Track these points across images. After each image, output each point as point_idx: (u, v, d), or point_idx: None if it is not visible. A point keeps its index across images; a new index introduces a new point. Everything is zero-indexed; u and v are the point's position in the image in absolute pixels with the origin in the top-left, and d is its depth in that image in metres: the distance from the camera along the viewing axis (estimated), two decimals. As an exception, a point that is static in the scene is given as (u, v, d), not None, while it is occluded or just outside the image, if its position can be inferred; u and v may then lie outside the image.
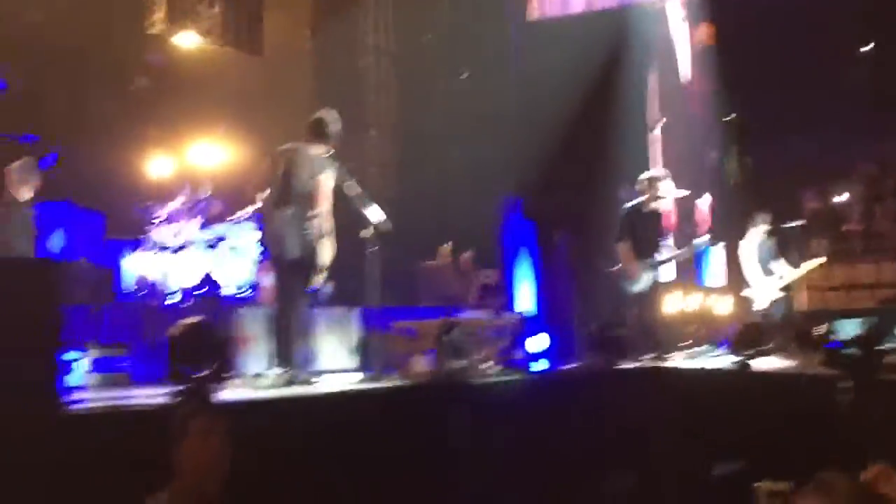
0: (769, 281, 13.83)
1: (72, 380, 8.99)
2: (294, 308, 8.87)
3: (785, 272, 13.96)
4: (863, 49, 18.83)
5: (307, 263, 8.74)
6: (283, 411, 7.13)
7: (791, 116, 18.72)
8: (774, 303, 13.86)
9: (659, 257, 11.65)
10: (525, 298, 16.15)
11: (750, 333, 10.17)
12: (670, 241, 11.98)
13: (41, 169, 11.09)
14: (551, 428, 8.73)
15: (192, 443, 4.52)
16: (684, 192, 12.03)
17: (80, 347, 9.37)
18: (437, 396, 8.39)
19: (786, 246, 14.47)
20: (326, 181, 8.79)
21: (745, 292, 14.07)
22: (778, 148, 19.19)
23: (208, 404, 5.53)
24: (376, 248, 9.21)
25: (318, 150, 8.98)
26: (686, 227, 13.89)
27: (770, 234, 14.11)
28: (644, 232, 11.71)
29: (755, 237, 14.02)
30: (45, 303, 5.66)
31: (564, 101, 16.16)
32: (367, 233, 9.20)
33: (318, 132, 9.04)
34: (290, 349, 8.79)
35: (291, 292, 8.92)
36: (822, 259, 14.34)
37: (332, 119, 9.15)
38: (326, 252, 8.80)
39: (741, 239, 14.43)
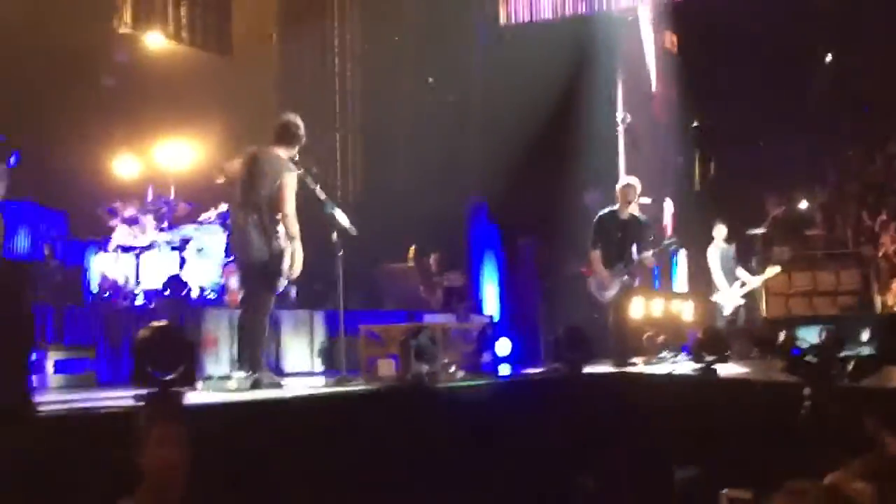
0: (733, 287, 13.97)
1: (36, 381, 9.00)
2: (259, 311, 8.87)
3: (746, 279, 14.12)
4: (826, 59, 19.04)
5: (273, 267, 8.73)
6: (248, 414, 7.14)
7: (754, 123, 18.91)
8: (739, 309, 14.03)
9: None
10: (491, 302, 16.22)
11: (711, 340, 10.24)
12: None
13: (7, 168, 11.08)
14: (516, 432, 8.79)
15: (153, 449, 4.52)
16: (648, 200, 12.08)
17: (43, 349, 9.33)
18: (403, 400, 8.43)
19: (748, 252, 14.63)
20: (291, 184, 8.77)
21: (714, 297, 14.20)
22: (741, 154, 19.37)
23: (172, 409, 5.51)
24: (341, 251, 9.23)
25: (284, 154, 8.98)
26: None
27: (728, 240, 14.25)
28: (616, 239, 11.72)
29: (717, 244, 14.18)
30: (17, 303, 5.64)
31: (532, 105, 16.23)
32: (333, 237, 9.21)
33: (284, 135, 9.03)
34: (255, 352, 8.79)
35: (257, 296, 8.92)
36: (778, 269, 14.55)
37: (298, 123, 9.14)
38: (293, 255, 8.79)
39: (705, 245, 14.56)
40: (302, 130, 9.09)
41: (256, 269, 8.85)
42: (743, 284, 14.08)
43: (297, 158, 9.17)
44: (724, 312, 14.02)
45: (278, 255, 8.71)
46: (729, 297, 13.95)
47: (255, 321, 8.84)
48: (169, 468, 4.53)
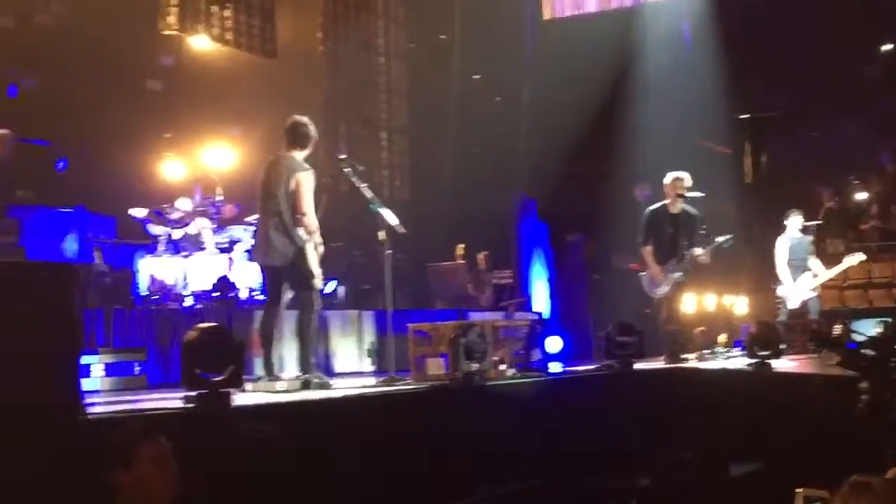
0: (801, 280, 13.62)
1: (86, 384, 9.02)
2: (306, 311, 8.85)
3: (819, 270, 13.74)
4: (882, 48, 18.74)
5: (301, 264, 8.70)
6: (297, 415, 7.10)
7: (806, 113, 18.66)
8: (807, 302, 13.67)
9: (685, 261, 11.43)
10: (540, 299, 16.12)
11: (764, 334, 10.09)
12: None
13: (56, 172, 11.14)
14: (568, 429, 8.70)
15: (141, 470, 4.36)
16: (699, 194, 11.84)
17: (93, 351, 9.35)
18: (453, 399, 8.36)
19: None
20: (306, 182, 8.75)
21: (779, 291, 13.91)
22: (793, 145, 19.11)
23: (148, 427, 5.36)
24: (390, 251, 9.19)
25: (298, 155, 8.96)
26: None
27: (804, 231, 13.89)
28: (667, 234, 11.54)
29: (789, 235, 13.82)
30: (65, 306, 5.62)
31: (579, 100, 16.12)
32: (380, 236, 9.18)
33: (294, 138, 9.01)
34: (305, 352, 8.78)
35: (299, 296, 8.90)
36: (862, 256, 14.07)
37: (305, 122, 9.10)
38: (314, 253, 8.73)
39: (760, 238, 14.32)
40: (310, 128, 9.05)
41: (286, 272, 8.83)
42: (815, 276, 13.65)
43: (344, 158, 9.20)
44: (789, 305, 13.63)
45: (302, 252, 8.67)
46: (795, 290, 13.58)
47: (304, 322, 8.83)
48: (157, 491, 4.40)
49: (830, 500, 4.04)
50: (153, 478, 4.34)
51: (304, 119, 9.09)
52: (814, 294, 13.66)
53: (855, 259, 13.87)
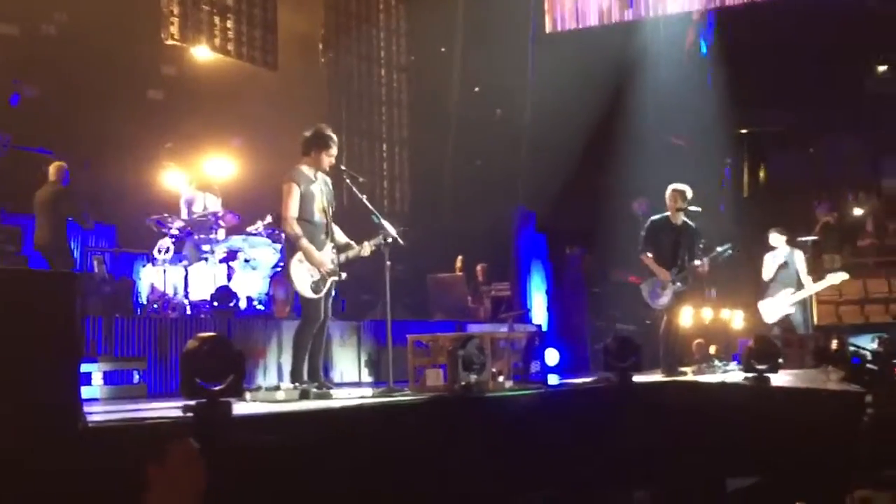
0: (781, 295, 13.71)
1: (86, 392, 9.02)
2: (302, 320, 8.90)
3: (809, 285, 13.82)
4: (878, 69, 18.80)
5: (288, 274, 8.76)
6: (296, 425, 7.10)
7: (803, 129, 18.71)
8: (787, 317, 13.74)
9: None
10: (538, 311, 16.12)
11: (762, 349, 10.07)
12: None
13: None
14: (566, 442, 8.70)
15: (171, 467, 4.44)
16: (697, 209, 11.85)
17: (93, 360, 9.35)
18: (450, 410, 8.36)
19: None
20: (288, 189, 8.74)
21: (760, 305, 13.98)
22: (790, 161, 19.17)
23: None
24: (389, 262, 9.18)
25: (305, 164, 8.94)
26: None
27: (795, 245, 13.97)
28: (668, 245, 11.56)
29: (776, 251, 13.91)
30: (66, 315, 5.64)
31: (579, 114, 16.14)
32: (376, 245, 9.15)
33: (303, 148, 9.05)
34: (298, 363, 8.78)
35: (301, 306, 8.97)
36: (845, 276, 14.16)
37: (315, 130, 9.09)
38: (301, 261, 8.69)
39: (757, 251, 14.37)
40: (315, 137, 9.01)
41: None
42: (795, 292, 13.75)
43: (344, 169, 9.23)
44: (766, 320, 13.73)
45: (292, 264, 8.68)
46: (773, 305, 13.66)
47: (297, 331, 8.88)
48: (184, 490, 4.46)
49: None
50: (183, 474, 4.43)
51: (318, 126, 9.10)
52: (792, 310, 13.73)
53: (837, 277, 14.00)
